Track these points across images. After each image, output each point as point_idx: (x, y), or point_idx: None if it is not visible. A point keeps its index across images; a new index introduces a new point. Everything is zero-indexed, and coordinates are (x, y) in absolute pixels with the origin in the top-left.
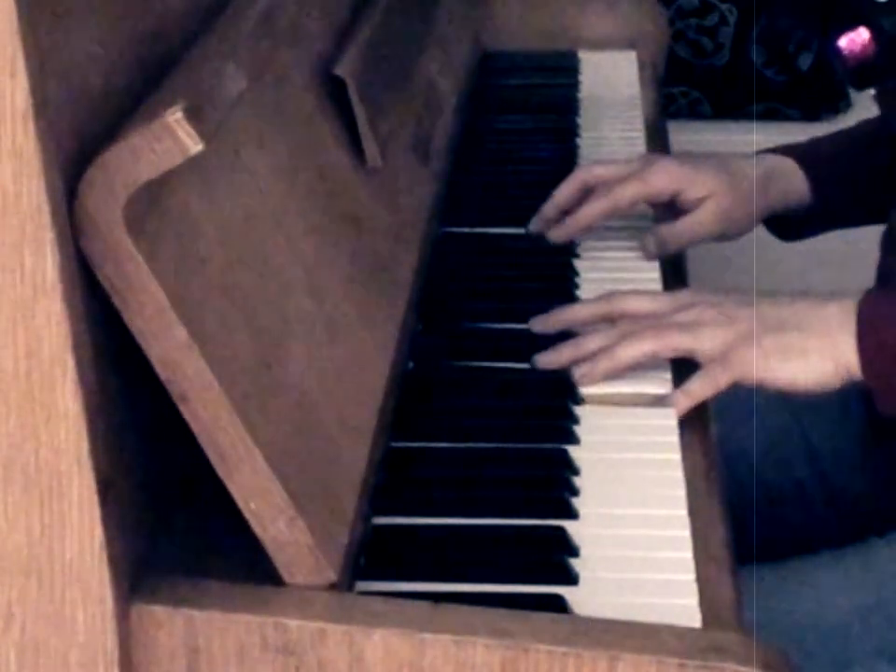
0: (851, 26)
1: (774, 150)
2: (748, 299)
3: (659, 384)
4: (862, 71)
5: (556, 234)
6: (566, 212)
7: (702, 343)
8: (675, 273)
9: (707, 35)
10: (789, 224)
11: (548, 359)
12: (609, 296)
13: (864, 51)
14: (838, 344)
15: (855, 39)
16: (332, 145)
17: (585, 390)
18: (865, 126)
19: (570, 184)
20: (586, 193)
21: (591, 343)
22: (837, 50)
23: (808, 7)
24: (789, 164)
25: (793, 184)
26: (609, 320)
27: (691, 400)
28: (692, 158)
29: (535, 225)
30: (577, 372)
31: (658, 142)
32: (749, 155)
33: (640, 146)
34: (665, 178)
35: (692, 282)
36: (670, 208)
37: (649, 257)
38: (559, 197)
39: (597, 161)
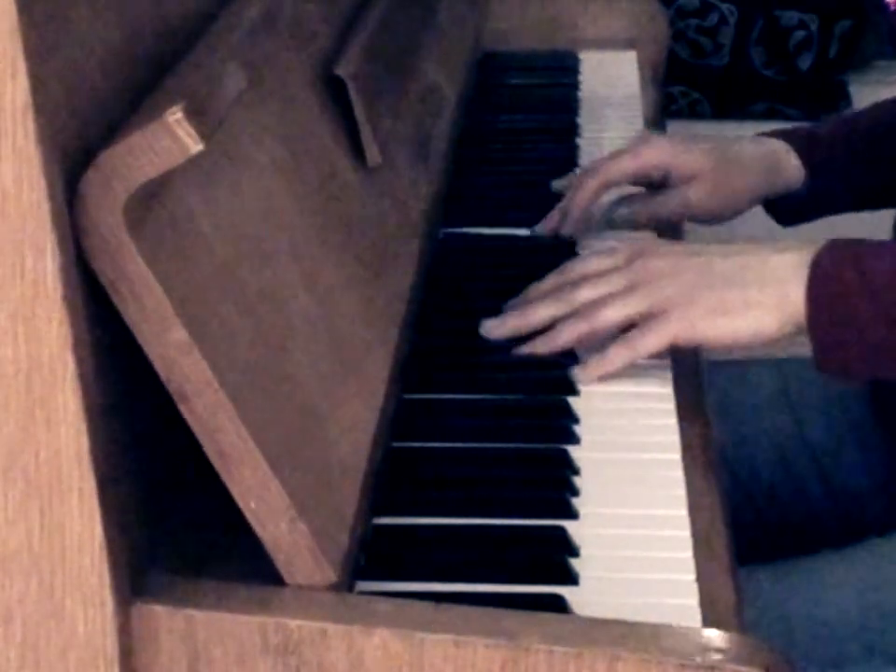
0: None
1: (773, 133)
2: (697, 248)
3: (660, 384)
4: None
5: (563, 230)
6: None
7: (639, 304)
8: None
9: (707, 35)
10: (787, 208)
11: (492, 326)
12: (562, 269)
13: None
14: (787, 294)
15: None
16: (332, 145)
17: (585, 390)
18: (870, 113)
19: (574, 180)
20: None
21: (535, 314)
22: (887, 9)
23: None
24: (781, 147)
25: (788, 169)
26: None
27: (609, 367)
28: (687, 138)
29: (540, 227)
30: (518, 351)
31: None
32: (745, 137)
33: None
34: (656, 153)
35: None
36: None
37: (617, 222)
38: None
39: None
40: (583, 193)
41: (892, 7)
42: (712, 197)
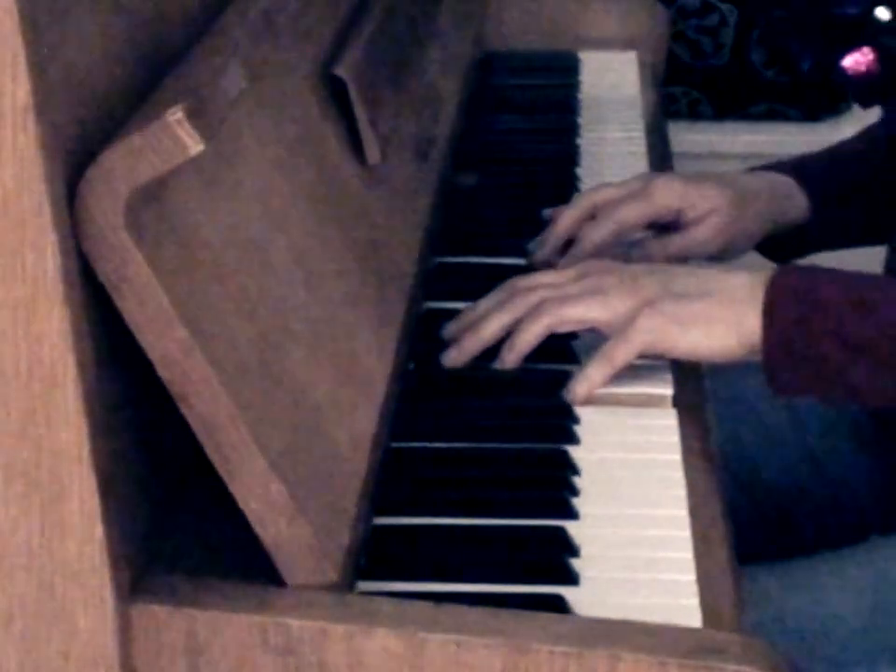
0: (855, 45)
1: (769, 167)
2: (654, 267)
3: (660, 384)
4: (868, 89)
5: (565, 264)
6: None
7: (601, 312)
8: None
9: (707, 36)
10: (782, 244)
11: (453, 357)
12: (510, 283)
13: (869, 70)
14: (743, 316)
15: (860, 59)
16: (332, 144)
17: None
18: (863, 136)
19: (577, 210)
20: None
21: (488, 327)
22: (842, 70)
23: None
24: (787, 181)
25: (792, 201)
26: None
27: (591, 386)
28: (693, 175)
29: (540, 254)
30: (495, 364)
31: (658, 142)
32: (748, 172)
33: (640, 146)
34: (669, 195)
35: None
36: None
37: (634, 257)
38: (564, 224)
39: (601, 184)
40: (596, 237)
41: (850, 72)
42: (726, 234)
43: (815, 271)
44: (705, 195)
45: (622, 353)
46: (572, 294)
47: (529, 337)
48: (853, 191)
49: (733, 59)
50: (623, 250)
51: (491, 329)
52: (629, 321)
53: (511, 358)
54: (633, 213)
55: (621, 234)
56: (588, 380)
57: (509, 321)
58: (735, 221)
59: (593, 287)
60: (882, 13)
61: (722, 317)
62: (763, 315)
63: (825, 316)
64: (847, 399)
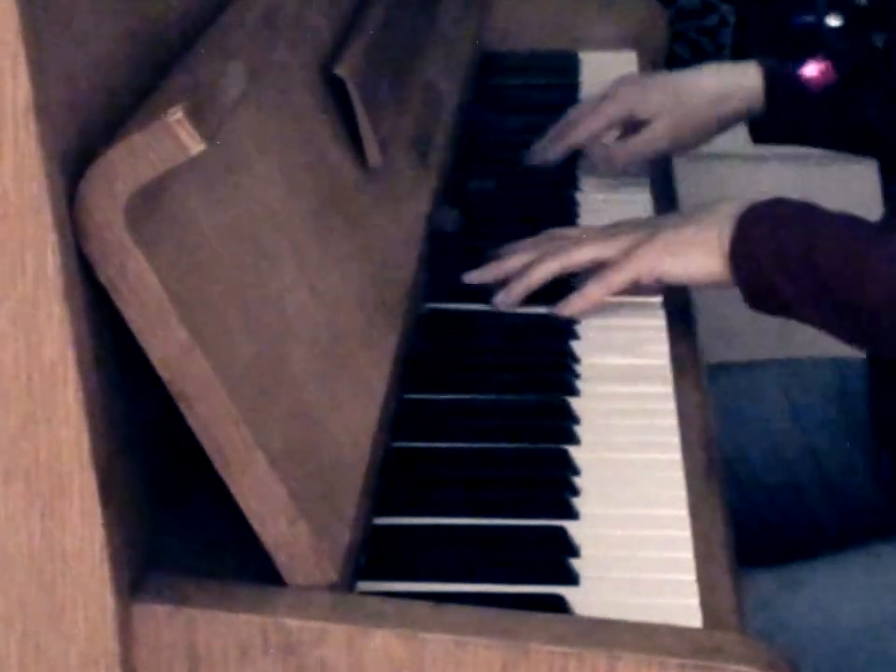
0: (810, 54)
1: (760, 61)
2: (678, 218)
3: (659, 382)
4: (830, 95)
5: (553, 153)
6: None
7: (607, 250)
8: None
9: (707, 36)
10: (758, 128)
11: (473, 276)
12: (545, 232)
13: (826, 77)
14: (723, 241)
15: (815, 66)
16: (332, 145)
17: (585, 390)
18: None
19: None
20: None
21: (512, 262)
22: (801, 79)
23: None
24: (753, 77)
25: (748, 98)
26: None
27: (586, 302)
28: (646, 79)
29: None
30: (495, 299)
31: None
32: (716, 67)
33: None
34: (617, 105)
35: None
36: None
37: (596, 165)
38: (552, 133)
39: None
40: (566, 141)
41: (808, 80)
42: (673, 134)
43: (786, 204)
44: (646, 100)
45: (618, 276)
46: (585, 241)
47: (541, 273)
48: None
49: (733, 59)
50: (598, 149)
51: (511, 263)
52: (627, 253)
53: (517, 290)
54: (589, 127)
55: (578, 146)
56: (584, 297)
57: (529, 260)
58: (677, 123)
59: (607, 234)
60: (833, 20)
61: (706, 241)
62: (731, 240)
63: (784, 258)
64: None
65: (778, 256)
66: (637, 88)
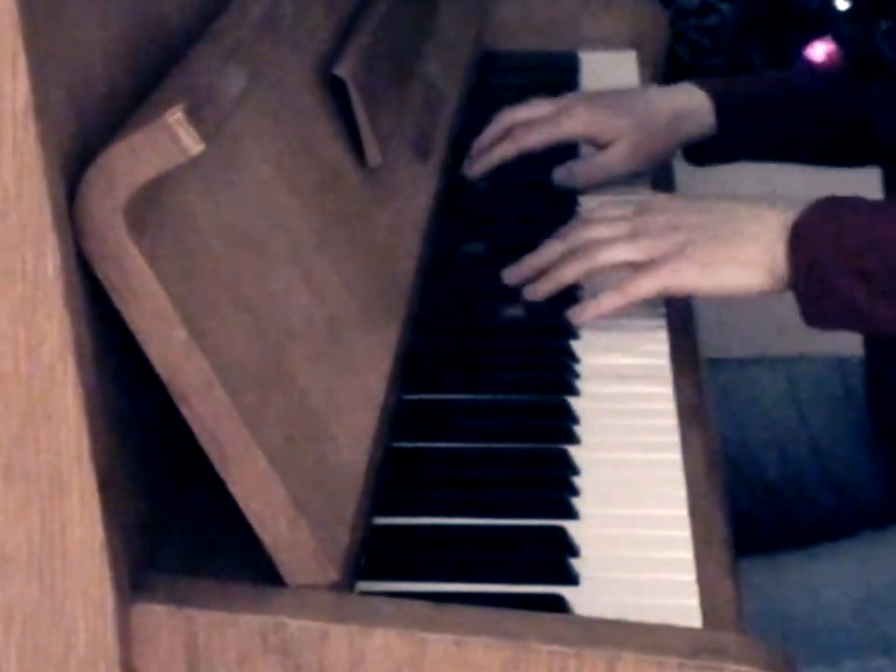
0: (816, 36)
1: (698, 82)
2: (702, 205)
3: (660, 383)
4: (833, 80)
5: (473, 170)
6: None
7: (637, 253)
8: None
9: (707, 36)
10: (698, 149)
11: (511, 274)
12: (576, 217)
13: (831, 59)
14: (774, 254)
15: (822, 48)
16: (332, 145)
17: (584, 390)
18: (788, 73)
19: (494, 127)
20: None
21: (544, 256)
22: (806, 61)
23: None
24: (694, 97)
25: (696, 117)
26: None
27: (600, 311)
28: (604, 101)
29: (468, 170)
30: (525, 294)
31: None
32: (658, 90)
33: None
34: (576, 124)
35: None
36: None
37: (559, 182)
38: (484, 140)
39: (527, 101)
40: (500, 152)
41: (813, 62)
42: (634, 157)
43: (842, 205)
44: (608, 124)
45: (640, 289)
46: (618, 235)
47: (569, 273)
48: (762, 112)
49: (733, 59)
50: (560, 170)
51: (546, 256)
52: (659, 261)
53: (545, 288)
54: (535, 137)
55: (522, 152)
56: (599, 306)
57: (562, 252)
58: (638, 145)
59: (639, 228)
60: (841, 3)
61: (753, 255)
62: (790, 254)
63: (846, 256)
64: (872, 331)
65: (850, 271)
66: (595, 111)
